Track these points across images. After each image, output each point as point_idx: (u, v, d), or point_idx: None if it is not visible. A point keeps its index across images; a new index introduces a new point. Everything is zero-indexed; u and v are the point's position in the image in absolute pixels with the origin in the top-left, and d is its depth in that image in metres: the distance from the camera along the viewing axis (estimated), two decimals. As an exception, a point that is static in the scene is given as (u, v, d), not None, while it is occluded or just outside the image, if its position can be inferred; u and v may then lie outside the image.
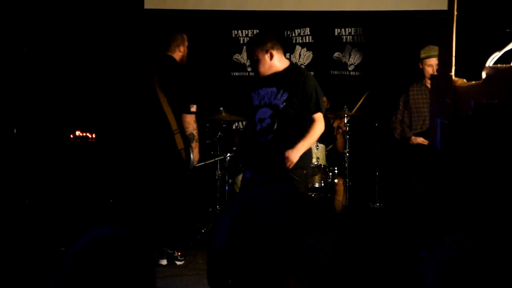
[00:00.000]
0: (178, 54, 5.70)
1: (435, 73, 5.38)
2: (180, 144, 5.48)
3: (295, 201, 1.33)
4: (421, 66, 6.32)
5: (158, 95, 5.50)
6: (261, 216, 1.30)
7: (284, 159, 4.54)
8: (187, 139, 5.52)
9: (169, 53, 5.68)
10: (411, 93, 6.39)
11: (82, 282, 1.38)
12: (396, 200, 6.38)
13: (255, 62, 4.80)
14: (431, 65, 6.15)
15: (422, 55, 6.28)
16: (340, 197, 6.69)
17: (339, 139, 7.18)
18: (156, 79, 5.54)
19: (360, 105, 7.07)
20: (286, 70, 4.81)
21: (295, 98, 4.66)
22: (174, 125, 5.48)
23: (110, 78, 7.05)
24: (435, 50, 5.95)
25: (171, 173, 5.58)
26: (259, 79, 4.85)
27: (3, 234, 4.94)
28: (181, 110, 5.51)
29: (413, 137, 6.25)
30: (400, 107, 6.45)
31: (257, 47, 4.77)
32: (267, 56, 4.74)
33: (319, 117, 4.68)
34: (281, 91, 4.70)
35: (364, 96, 7.01)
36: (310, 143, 4.73)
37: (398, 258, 1.14)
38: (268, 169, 4.68)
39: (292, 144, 4.58)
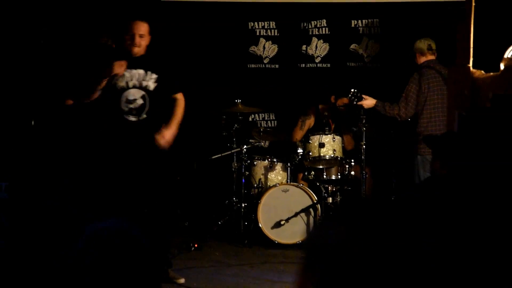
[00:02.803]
0: None
1: None
2: None
3: None
4: None
5: None
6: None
7: (161, 138, 4.67)
8: None
9: None
10: None
11: (87, 274, 1.39)
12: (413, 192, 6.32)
13: (137, 41, 4.76)
14: None
15: None
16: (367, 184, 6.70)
17: (346, 137, 7.12)
18: None
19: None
20: (148, 51, 4.86)
21: (161, 79, 4.79)
22: None
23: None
24: None
25: None
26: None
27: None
28: None
29: None
30: None
31: (149, 25, 4.83)
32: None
33: (181, 96, 4.89)
34: (149, 73, 4.79)
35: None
36: (179, 123, 4.83)
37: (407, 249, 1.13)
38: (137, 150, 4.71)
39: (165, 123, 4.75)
